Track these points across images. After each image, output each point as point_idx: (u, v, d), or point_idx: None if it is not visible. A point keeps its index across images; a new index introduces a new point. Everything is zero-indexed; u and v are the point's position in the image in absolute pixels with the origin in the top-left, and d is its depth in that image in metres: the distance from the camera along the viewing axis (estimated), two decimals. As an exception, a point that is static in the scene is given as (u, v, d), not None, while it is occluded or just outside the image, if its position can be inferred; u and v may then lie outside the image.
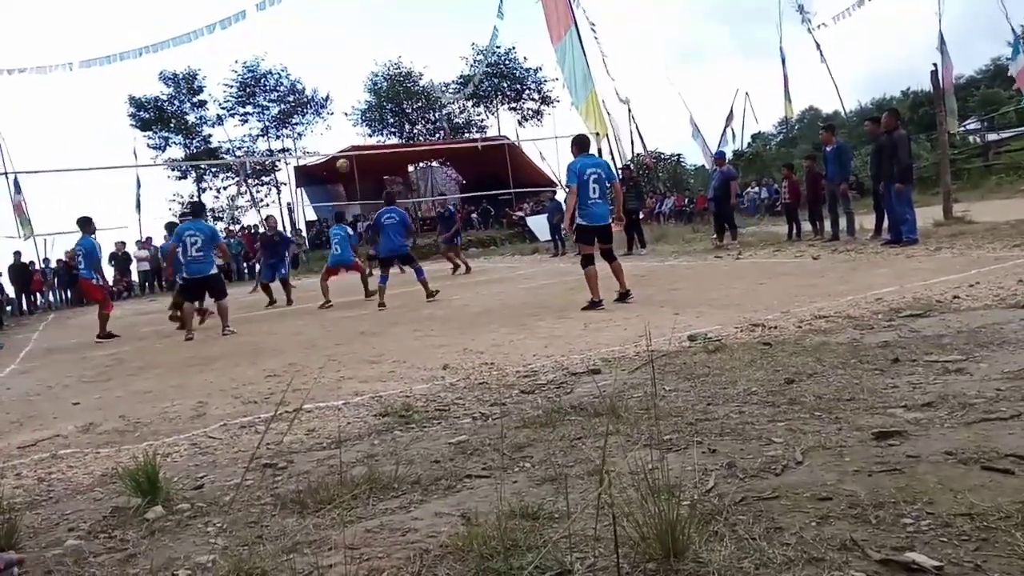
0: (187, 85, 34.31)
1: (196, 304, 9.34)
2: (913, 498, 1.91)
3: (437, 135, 36.50)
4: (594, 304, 6.94)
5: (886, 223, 10.20)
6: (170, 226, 11.99)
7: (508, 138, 31.19)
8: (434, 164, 33.98)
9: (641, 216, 15.15)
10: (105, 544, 2.32)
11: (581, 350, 4.89)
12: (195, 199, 30.12)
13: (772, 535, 1.79)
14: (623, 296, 7.18)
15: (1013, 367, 3.09)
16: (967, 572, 1.54)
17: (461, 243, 16.59)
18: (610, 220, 7.43)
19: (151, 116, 33.91)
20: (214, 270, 8.82)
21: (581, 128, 17.03)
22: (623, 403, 3.24)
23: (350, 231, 12.18)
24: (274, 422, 3.66)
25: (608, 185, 7.20)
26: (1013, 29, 19.54)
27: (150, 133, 34.06)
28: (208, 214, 7.68)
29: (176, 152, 34.90)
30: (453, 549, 1.92)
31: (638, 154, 27.60)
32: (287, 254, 12.93)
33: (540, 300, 8.49)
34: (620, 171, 15.73)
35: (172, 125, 34.29)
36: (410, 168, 33.30)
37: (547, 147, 41.05)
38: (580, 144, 7.44)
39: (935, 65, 13.37)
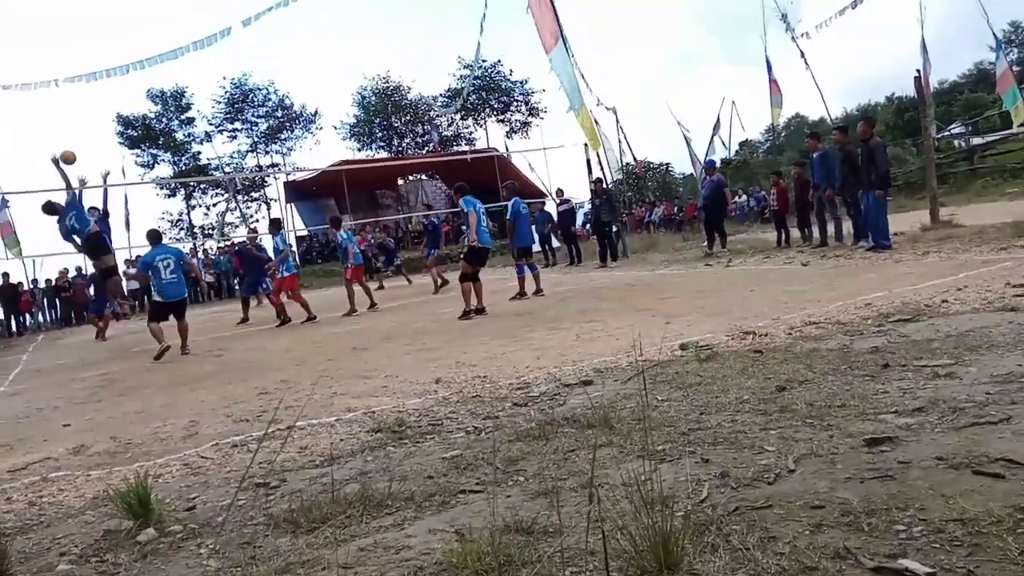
0: (175, 102, 34.30)
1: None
2: (905, 504, 1.92)
3: (426, 148, 36.55)
4: None
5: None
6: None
7: (497, 150, 31.24)
8: (423, 177, 34.00)
9: (615, 229, 15.21)
10: (97, 568, 2.30)
11: (573, 361, 4.89)
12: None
13: (766, 544, 1.80)
14: None
15: (1002, 370, 3.11)
16: (959, 578, 1.55)
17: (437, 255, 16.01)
18: None
19: (139, 134, 33.83)
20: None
21: (570, 138, 16.95)
22: (616, 414, 3.24)
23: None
24: (266, 440, 3.64)
25: None
26: (994, 34, 19.78)
27: (138, 151, 33.97)
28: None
29: (165, 170, 34.82)
30: (447, 566, 1.92)
31: (627, 163, 27.71)
32: (267, 268, 12.53)
33: (531, 311, 8.49)
34: (592, 184, 15.67)
35: (160, 142, 34.22)
36: (400, 181, 33.32)
37: (536, 158, 41.18)
38: None
39: (918, 71, 13.52)
